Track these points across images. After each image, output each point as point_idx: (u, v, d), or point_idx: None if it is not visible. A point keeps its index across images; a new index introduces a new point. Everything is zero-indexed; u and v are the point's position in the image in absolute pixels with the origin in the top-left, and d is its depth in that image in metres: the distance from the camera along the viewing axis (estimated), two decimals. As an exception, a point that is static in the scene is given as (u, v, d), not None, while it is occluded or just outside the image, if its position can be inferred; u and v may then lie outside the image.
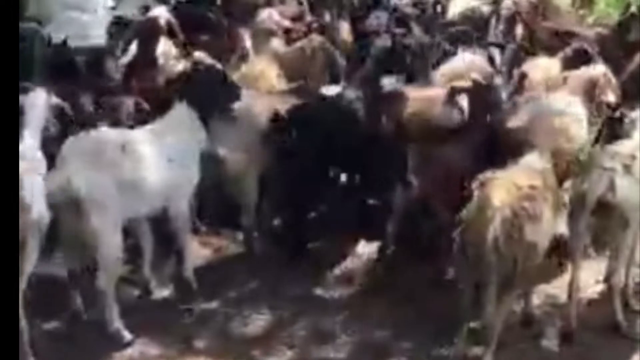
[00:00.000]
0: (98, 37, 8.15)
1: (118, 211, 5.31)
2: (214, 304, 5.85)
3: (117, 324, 5.36)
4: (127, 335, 5.37)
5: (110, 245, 5.29)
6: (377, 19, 8.73)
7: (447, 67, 7.23)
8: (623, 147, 5.49)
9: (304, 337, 5.50)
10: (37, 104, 5.48)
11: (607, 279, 5.55)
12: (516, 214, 4.88)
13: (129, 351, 5.31)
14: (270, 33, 8.31)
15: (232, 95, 6.00)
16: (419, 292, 5.89)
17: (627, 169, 5.26)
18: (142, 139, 5.61)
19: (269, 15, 8.57)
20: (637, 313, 5.64)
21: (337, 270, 6.28)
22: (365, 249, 6.57)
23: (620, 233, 5.29)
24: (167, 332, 5.52)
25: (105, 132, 5.64)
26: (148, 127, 5.80)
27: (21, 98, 5.40)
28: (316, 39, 8.00)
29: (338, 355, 5.33)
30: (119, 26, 8.24)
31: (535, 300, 5.71)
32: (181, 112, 5.79)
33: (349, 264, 6.40)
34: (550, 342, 5.41)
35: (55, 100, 5.69)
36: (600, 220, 5.29)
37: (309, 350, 5.38)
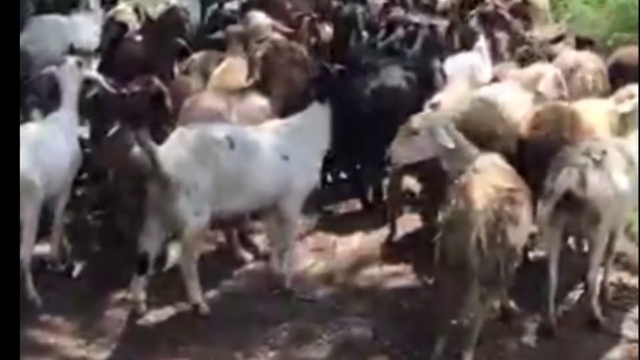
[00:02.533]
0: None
1: (209, 201, 5.42)
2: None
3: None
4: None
5: (193, 231, 5.43)
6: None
7: None
8: (594, 142, 5.56)
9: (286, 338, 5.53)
10: (70, 76, 6.02)
11: (584, 276, 5.59)
12: (499, 218, 4.92)
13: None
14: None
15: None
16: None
17: (598, 164, 5.31)
18: (256, 135, 5.72)
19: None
20: (615, 308, 5.69)
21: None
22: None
23: (591, 229, 5.33)
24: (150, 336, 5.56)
25: (213, 127, 5.70)
26: (272, 123, 5.98)
27: (55, 70, 6.12)
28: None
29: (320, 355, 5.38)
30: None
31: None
32: (316, 113, 5.88)
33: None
34: (530, 338, 5.46)
35: (87, 72, 6.27)
36: (571, 216, 5.31)
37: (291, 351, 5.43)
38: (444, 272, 5.04)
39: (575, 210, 5.28)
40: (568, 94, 6.62)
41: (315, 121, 5.92)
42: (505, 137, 5.97)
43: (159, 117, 6.56)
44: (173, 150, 5.49)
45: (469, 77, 7.05)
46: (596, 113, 6.13)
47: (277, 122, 6.06)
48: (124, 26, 8.01)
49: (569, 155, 5.42)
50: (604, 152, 5.39)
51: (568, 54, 7.44)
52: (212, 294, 5.97)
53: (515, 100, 6.27)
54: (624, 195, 5.40)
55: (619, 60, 7.47)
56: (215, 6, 8.95)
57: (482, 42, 7.72)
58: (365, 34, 8.16)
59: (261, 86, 6.59)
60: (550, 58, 7.36)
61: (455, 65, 7.15)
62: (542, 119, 5.99)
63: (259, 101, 6.48)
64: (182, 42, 7.82)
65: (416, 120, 5.37)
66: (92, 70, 6.67)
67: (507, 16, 8.08)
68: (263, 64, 6.67)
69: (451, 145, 5.22)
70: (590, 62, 7.15)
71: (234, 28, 7.80)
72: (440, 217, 5.10)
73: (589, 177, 5.25)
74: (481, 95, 6.33)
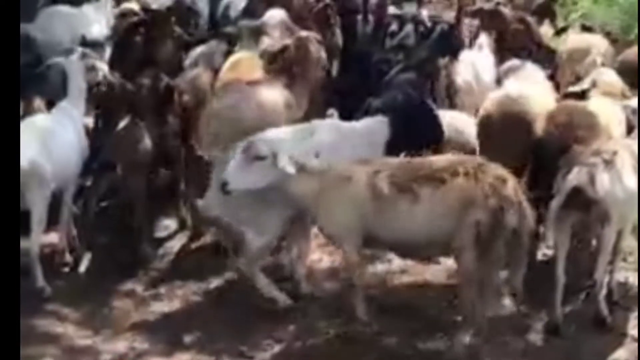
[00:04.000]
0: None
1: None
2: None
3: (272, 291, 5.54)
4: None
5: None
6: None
7: None
8: (605, 142, 5.56)
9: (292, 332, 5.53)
10: (77, 66, 6.15)
11: (591, 274, 5.58)
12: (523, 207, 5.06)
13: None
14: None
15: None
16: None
17: (608, 164, 5.30)
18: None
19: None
20: (622, 308, 5.68)
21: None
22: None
23: (600, 228, 5.32)
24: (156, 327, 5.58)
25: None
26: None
27: (62, 61, 6.27)
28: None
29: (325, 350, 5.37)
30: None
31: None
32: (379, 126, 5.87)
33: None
34: (537, 336, 5.46)
35: (92, 62, 6.37)
36: (580, 215, 5.32)
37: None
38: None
39: (584, 209, 5.28)
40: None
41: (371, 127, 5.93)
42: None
43: (167, 111, 6.58)
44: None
45: (474, 77, 7.09)
46: (610, 111, 6.13)
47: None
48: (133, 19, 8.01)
49: (579, 154, 5.42)
50: (615, 152, 5.39)
51: (577, 36, 7.52)
52: (218, 285, 5.98)
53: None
54: (633, 196, 5.39)
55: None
56: (226, 0, 8.94)
57: (483, 39, 7.75)
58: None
59: (285, 81, 6.55)
60: None
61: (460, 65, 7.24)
62: (557, 117, 5.98)
63: (284, 96, 6.45)
64: (185, 35, 7.82)
65: (262, 146, 5.24)
66: (98, 62, 6.65)
67: (506, 13, 8.07)
68: (290, 58, 6.65)
69: (292, 171, 5.15)
70: (599, 42, 7.34)
71: (246, 22, 7.80)
72: None
73: (599, 177, 5.25)
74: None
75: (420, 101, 6.26)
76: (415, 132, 5.93)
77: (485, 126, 6.23)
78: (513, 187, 5.11)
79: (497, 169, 5.15)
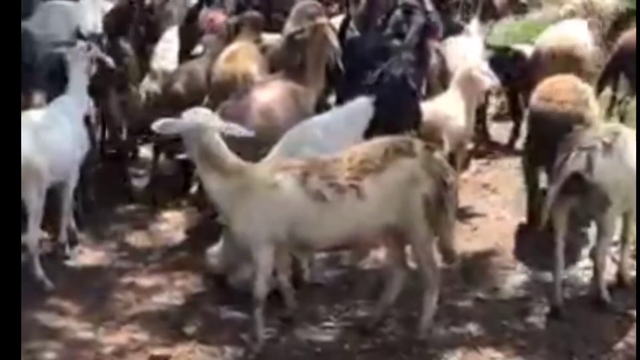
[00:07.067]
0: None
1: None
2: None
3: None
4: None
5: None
6: None
7: None
8: (606, 125, 5.55)
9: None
10: (80, 57, 6.22)
11: (593, 257, 5.56)
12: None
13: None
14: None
15: None
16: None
17: (608, 147, 5.25)
18: None
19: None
20: (627, 289, 5.62)
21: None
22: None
23: (600, 212, 5.29)
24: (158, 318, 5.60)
25: None
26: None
27: (65, 52, 6.39)
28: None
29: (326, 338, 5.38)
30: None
31: (522, 277, 5.79)
32: (362, 107, 5.85)
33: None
34: (537, 318, 5.45)
35: (97, 53, 6.50)
36: (579, 199, 5.29)
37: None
38: None
39: (583, 193, 5.25)
40: None
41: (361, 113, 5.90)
42: None
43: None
44: None
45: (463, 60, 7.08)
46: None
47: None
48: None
49: (579, 137, 5.39)
50: (616, 133, 5.35)
51: None
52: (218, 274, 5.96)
53: None
54: (635, 179, 5.30)
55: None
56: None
57: (473, 26, 7.74)
58: None
59: (297, 75, 6.51)
60: None
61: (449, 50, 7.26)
62: (556, 89, 6.06)
63: (287, 89, 6.41)
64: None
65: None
66: (101, 53, 6.69)
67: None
68: (306, 42, 6.62)
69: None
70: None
71: (250, 13, 7.80)
72: None
73: (597, 161, 5.20)
74: None
75: (402, 83, 6.22)
76: (393, 113, 5.89)
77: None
78: (440, 153, 5.21)
79: (422, 142, 5.16)
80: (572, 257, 5.78)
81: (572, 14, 7.91)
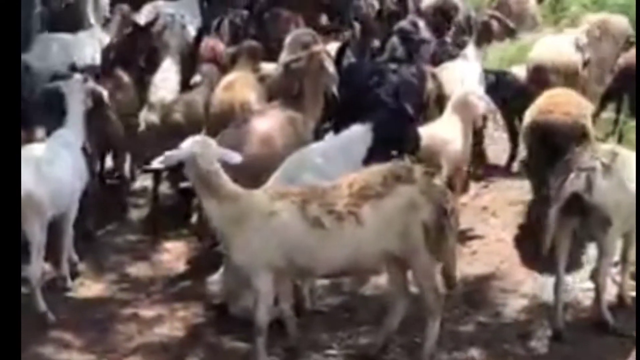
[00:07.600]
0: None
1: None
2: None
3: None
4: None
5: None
6: None
7: None
8: (604, 145, 5.57)
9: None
10: (76, 89, 6.27)
11: (594, 278, 5.56)
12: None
13: None
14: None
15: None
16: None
17: (607, 168, 5.27)
18: None
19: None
20: (628, 310, 5.62)
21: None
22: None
23: (601, 233, 5.30)
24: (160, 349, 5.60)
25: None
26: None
27: (61, 85, 6.43)
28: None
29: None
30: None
31: (522, 301, 5.78)
32: (360, 134, 5.84)
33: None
34: (539, 342, 5.45)
35: (92, 85, 6.52)
36: (580, 220, 5.30)
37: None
38: None
39: (583, 214, 5.26)
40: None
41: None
42: None
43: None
44: None
45: (459, 85, 7.13)
46: None
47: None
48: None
49: (578, 158, 5.40)
50: (615, 154, 5.37)
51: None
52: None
53: None
54: (635, 200, 5.31)
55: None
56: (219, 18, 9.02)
57: (469, 50, 7.79)
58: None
59: (295, 103, 6.54)
60: None
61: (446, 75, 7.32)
62: (557, 101, 6.11)
63: (286, 117, 6.43)
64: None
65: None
66: (98, 86, 6.73)
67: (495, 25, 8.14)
68: (302, 70, 6.66)
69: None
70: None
71: (247, 43, 7.86)
72: None
73: (597, 181, 5.21)
74: None
75: (399, 108, 6.24)
76: (392, 138, 5.91)
77: None
78: (439, 178, 5.20)
79: (422, 167, 5.17)
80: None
81: (587, 34, 7.91)
